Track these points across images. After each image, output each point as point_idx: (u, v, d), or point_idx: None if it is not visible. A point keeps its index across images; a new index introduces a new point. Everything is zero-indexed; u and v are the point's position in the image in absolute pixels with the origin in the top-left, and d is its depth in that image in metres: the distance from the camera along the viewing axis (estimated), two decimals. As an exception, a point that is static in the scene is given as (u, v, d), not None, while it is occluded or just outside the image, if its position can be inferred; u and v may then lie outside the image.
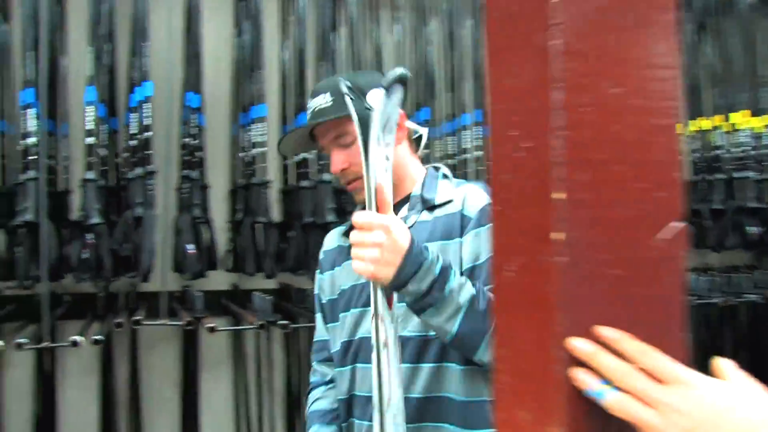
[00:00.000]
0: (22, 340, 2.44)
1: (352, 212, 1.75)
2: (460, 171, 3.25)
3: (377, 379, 1.32)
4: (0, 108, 2.84)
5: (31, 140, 2.64)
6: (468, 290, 1.41)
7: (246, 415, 3.24)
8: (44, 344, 2.55)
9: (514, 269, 0.85)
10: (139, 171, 2.71)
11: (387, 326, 1.34)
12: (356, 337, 1.67)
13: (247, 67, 3.01)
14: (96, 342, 2.50)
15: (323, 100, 1.65)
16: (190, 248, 2.78)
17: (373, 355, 1.33)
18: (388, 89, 1.36)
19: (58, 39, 2.82)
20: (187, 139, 2.90)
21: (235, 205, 3.05)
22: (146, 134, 2.75)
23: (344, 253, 1.78)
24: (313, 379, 1.87)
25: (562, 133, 0.78)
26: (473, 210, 1.59)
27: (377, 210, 1.36)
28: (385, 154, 1.41)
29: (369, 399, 1.54)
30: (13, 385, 3.02)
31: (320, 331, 1.85)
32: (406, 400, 1.51)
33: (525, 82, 0.83)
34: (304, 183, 3.00)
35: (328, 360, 1.83)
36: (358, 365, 1.67)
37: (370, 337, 1.38)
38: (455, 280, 1.40)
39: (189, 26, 3.00)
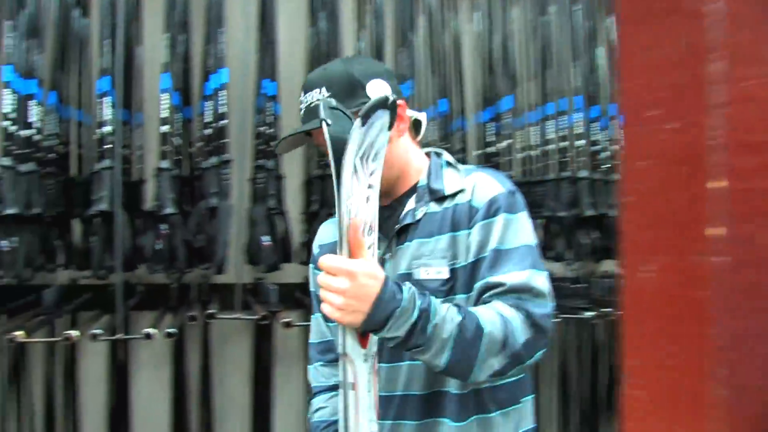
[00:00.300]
0: (96, 331, 2.41)
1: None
2: (541, 162, 3.11)
3: (344, 422, 1.30)
4: (78, 98, 2.83)
5: (107, 129, 2.61)
6: (453, 320, 1.36)
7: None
8: (118, 336, 2.52)
9: (653, 270, 0.73)
10: (213, 160, 2.66)
11: (356, 366, 1.30)
12: None
13: (323, 54, 2.93)
14: (169, 335, 2.46)
15: (319, 96, 1.52)
16: (266, 240, 2.71)
17: (340, 397, 1.31)
18: (364, 118, 1.27)
19: (134, 28, 2.80)
20: (262, 128, 2.83)
21: (310, 197, 2.97)
22: (221, 122, 2.70)
23: None
24: (316, 383, 1.76)
25: (722, 110, 0.66)
26: (482, 201, 1.53)
27: (349, 251, 1.29)
28: (368, 183, 1.33)
29: (388, 398, 1.55)
30: (88, 375, 3.01)
31: (323, 332, 1.74)
32: (414, 397, 1.54)
33: (671, 53, 0.72)
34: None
35: (335, 361, 1.69)
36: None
37: (384, 339, 1.35)
38: (437, 315, 1.35)
39: (264, 13, 2.93)
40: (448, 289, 1.52)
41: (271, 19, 2.92)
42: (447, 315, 1.35)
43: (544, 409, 3.32)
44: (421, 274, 1.53)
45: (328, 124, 1.30)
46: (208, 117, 2.70)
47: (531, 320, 1.43)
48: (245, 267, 2.90)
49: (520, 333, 1.41)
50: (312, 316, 1.79)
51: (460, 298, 1.51)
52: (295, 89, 3.03)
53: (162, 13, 2.78)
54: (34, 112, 2.59)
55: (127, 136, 2.74)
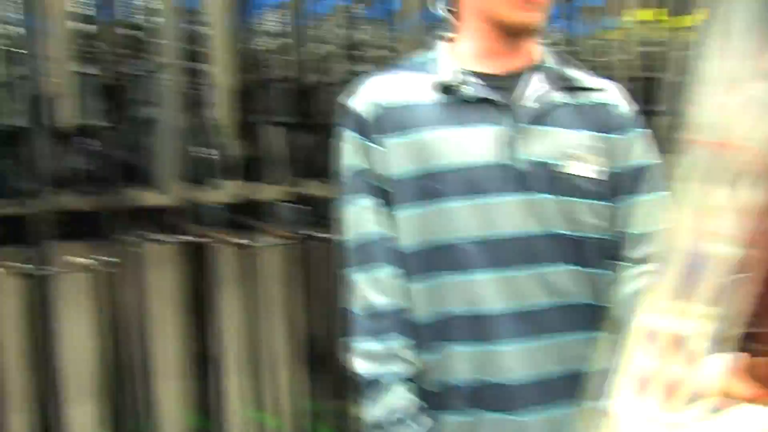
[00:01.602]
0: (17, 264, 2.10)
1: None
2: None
3: None
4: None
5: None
6: None
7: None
8: (48, 270, 2.21)
9: None
10: (143, 66, 2.33)
11: None
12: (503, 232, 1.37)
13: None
14: (108, 264, 2.16)
15: None
16: (203, 153, 2.42)
17: None
18: None
19: None
20: (195, 27, 2.50)
21: (246, 105, 2.68)
22: (152, 21, 2.36)
23: (446, 113, 1.39)
24: (392, 300, 1.40)
25: None
26: (629, 110, 1.44)
27: None
28: None
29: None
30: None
31: (386, 224, 1.41)
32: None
33: None
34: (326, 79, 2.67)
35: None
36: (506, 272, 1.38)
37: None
38: None
39: None
40: (597, 193, 1.37)
41: None
42: None
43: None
44: (571, 168, 1.33)
45: None
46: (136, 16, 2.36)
47: None
48: (178, 186, 2.59)
49: None
50: (354, 205, 1.44)
51: (604, 204, 1.37)
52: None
53: None
54: None
55: (33, 45, 2.36)
